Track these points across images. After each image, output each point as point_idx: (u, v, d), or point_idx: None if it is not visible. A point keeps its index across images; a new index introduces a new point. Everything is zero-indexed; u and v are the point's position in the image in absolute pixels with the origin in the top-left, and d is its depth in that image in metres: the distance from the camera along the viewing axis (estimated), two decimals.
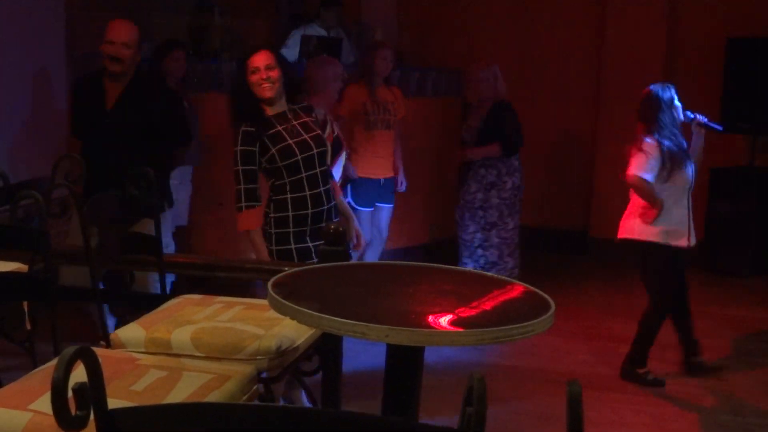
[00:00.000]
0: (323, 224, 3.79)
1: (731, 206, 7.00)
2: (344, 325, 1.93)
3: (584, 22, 7.65)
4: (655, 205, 4.54)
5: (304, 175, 3.78)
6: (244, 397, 2.32)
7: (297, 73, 4.50)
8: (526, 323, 2.01)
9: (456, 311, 2.15)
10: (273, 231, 3.79)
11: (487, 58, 6.10)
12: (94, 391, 1.39)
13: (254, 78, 3.73)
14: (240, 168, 3.73)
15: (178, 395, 2.15)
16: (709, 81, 7.08)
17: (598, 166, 7.52)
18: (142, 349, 2.55)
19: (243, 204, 3.75)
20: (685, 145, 4.61)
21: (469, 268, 5.70)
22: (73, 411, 1.40)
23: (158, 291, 3.25)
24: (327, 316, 1.97)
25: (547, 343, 5.02)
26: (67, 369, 1.36)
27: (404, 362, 2.22)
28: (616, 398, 4.47)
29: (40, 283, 2.62)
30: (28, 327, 2.96)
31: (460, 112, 6.86)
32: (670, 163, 4.51)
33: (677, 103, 4.62)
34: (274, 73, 3.74)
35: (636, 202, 4.66)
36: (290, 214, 3.78)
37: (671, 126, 4.55)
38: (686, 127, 4.70)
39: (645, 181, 4.50)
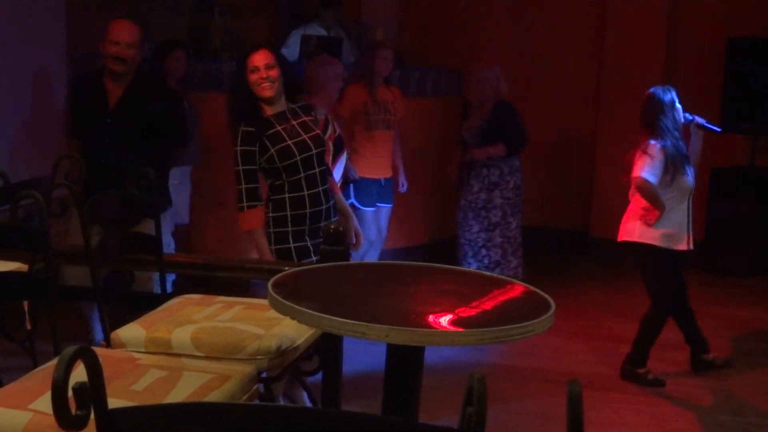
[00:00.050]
0: (321, 223, 3.81)
1: (731, 206, 7.00)
2: (344, 325, 1.93)
3: (584, 22, 7.66)
4: (658, 207, 4.54)
5: (302, 175, 3.78)
6: (245, 397, 2.32)
7: (297, 73, 4.50)
8: (526, 323, 2.01)
9: (456, 311, 2.15)
10: (271, 230, 3.79)
11: (489, 58, 6.10)
12: (94, 390, 1.39)
13: (254, 77, 3.72)
14: (240, 168, 3.72)
15: (178, 395, 2.15)
16: (709, 81, 7.08)
17: (598, 166, 7.52)
18: (143, 349, 2.55)
19: (244, 204, 3.75)
20: (685, 149, 4.62)
21: (474, 268, 5.72)
22: (73, 411, 1.40)
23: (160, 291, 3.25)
24: (327, 315, 1.97)
25: (547, 343, 5.02)
26: (67, 369, 1.36)
27: (404, 362, 2.22)
28: (616, 398, 4.47)
29: (41, 283, 2.62)
30: (29, 327, 2.96)
31: (460, 112, 6.86)
32: (673, 167, 4.52)
33: (678, 105, 4.62)
34: (274, 72, 3.73)
35: (637, 204, 4.65)
36: (288, 213, 3.78)
37: (673, 129, 4.56)
38: (685, 129, 4.71)
39: (651, 183, 4.50)
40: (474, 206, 5.87)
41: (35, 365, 2.58)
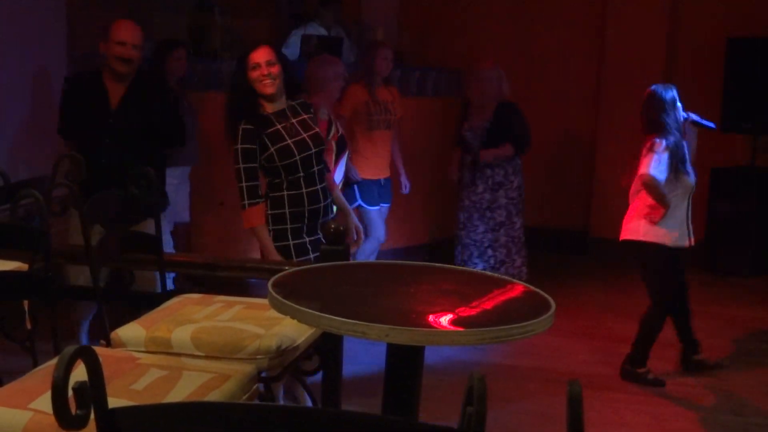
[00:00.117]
0: (319, 221, 3.82)
1: (731, 206, 7.00)
2: (344, 325, 1.93)
3: (584, 22, 7.66)
4: (664, 205, 4.53)
5: (301, 174, 3.79)
6: (245, 397, 2.32)
7: (297, 72, 4.50)
8: (526, 323, 2.01)
9: (456, 311, 2.15)
10: (270, 228, 3.80)
11: (493, 59, 6.11)
12: (94, 390, 1.39)
13: (255, 74, 3.72)
14: (241, 166, 3.73)
15: (178, 394, 2.15)
16: (709, 81, 7.08)
17: (598, 166, 7.53)
18: (143, 349, 2.55)
19: (246, 202, 3.76)
20: (686, 147, 4.62)
21: (480, 268, 5.74)
22: (73, 410, 1.40)
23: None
24: (327, 315, 1.96)
25: (547, 343, 5.02)
26: (67, 368, 1.36)
27: (404, 362, 2.22)
28: (616, 398, 4.47)
29: (41, 283, 2.62)
30: (29, 326, 2.96)
31: (460, 112, 6.87)
32: (677, 165, 4.53)
33: (678, 103, 4.63)
34: (275, 69, 3.72)
35: (641, 202, 4.63)
36: (287, 211, 3.79)
37: (674, 128, 4.56)
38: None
39: (659, 180, 4.49)
40: (479, 207, 5.89)
41: (35, 365, 2.58)
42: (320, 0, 7.22)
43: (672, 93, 4.61)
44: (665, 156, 4.49)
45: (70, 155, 2.93)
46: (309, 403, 3.18)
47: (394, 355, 2.21)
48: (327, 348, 2.89)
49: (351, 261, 3.60)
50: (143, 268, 3.63)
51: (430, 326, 2.04)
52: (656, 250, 4.61)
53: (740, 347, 5.32)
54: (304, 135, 3.80)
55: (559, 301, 2.22)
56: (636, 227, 4.66)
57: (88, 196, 2.88)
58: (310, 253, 3.78)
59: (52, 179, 3.09)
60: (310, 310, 2.01)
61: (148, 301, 3.00)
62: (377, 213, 5.80)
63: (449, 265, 2.69)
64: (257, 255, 4.14)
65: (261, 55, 3.71)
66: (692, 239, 4.69)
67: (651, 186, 4.53)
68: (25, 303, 3.08)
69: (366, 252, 5.71)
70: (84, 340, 4.48)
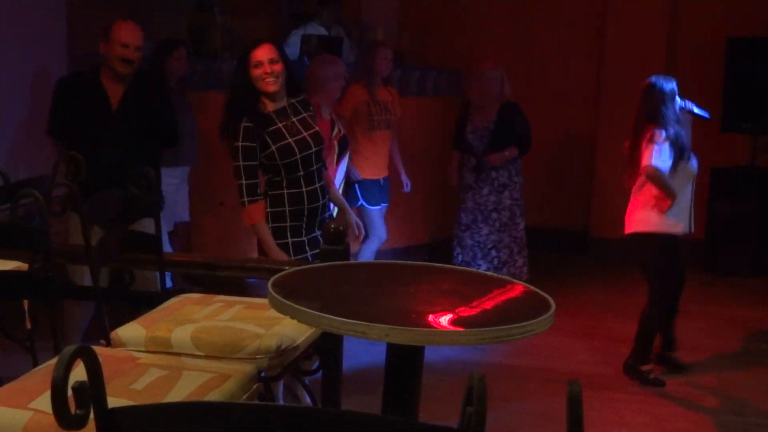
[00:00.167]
0: (317, 219, 3.82)
1: (731, 206, 7.00)
2: (344, 324, 1.93)
3: (584, 22, 7.66)
4: (669, 195, 4.52)
5: (301, 173, 3.79)
6: (245, 396, 2.32)
7: (298, 72, 4.50)
8: (526, 323, 2.01)
9: (456, 311, 2.15)
10: (270, 225, 3.80)
11: (494, 59, 6.11)
12: (94, 389, 1.39)
13: (257, 72, 3.71)
14: (241, 164, 3.72)
15: (178, 394, 2.15)
16: (709, 81, 7.08)
17: (598, 166, 7.52)
18: (142, 348, 2.55)
19: (246, 199, 3.76)
20: (685, 137, 4.60)
21: (483, 269, 5.75)
22: (73, 410, 1.40)
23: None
24: (327, 315, 1.96)
25: (547, 343, 5.02)
26: (67, 368, 1.36)
27: (404, 362, 2.21)
28: (616, 398, 4.47)
29: (41, 283, 2.62)
30: (29, 326, 2.96)
31: (459, 113, 6.87)
32: (678, 154, 4.52)
33: (677, 96, 4.62)
34: (278, 67, 3.72)
35: (647, 193, 4.60)
36: (287, 209, 3.79)
37: (673, 119, 4.56)
38: None
39: (662, 171, 4.48)
40: (483, 209, 5.90)
41: (35, 364, 2.58)
42: (320, 0, 7.22)
43: (672, 85, 4.61)
44: (666, 146, 4.48)
45: (72, 155, 2.92)
46: (309, 403, 3.18)
47: (394, 354, 2.21)
48: (327, 348, 2.89)
49: (351, 261, 3.60)
50: (143, 268, 3.63)
51: (430, 326, 2.04)
52: (664, 240, 4.58)
53: (740, 347, 5.32)
54: (305, 134, 3.81)
55: (559, 301, 2.21)
56: (644, 218, 4.61)
57: (88, 196, 2.88)
58: (308, 251, 3.79)
59: (52, 179, 3.09)
60: (310, 310, 2.01)
61: (148, 301, 3.00)
62: (379, 212, 5.81)
63: (449, 265, 2.68)
64: (257, 254, 4.14)
65: (264, 53, 3.70)
66: (693, 225, 4.69)
67: (655, 177, 4.51)
68: (25, 303, 3.08)
69: (370, 251, 5.73)
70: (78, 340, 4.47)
